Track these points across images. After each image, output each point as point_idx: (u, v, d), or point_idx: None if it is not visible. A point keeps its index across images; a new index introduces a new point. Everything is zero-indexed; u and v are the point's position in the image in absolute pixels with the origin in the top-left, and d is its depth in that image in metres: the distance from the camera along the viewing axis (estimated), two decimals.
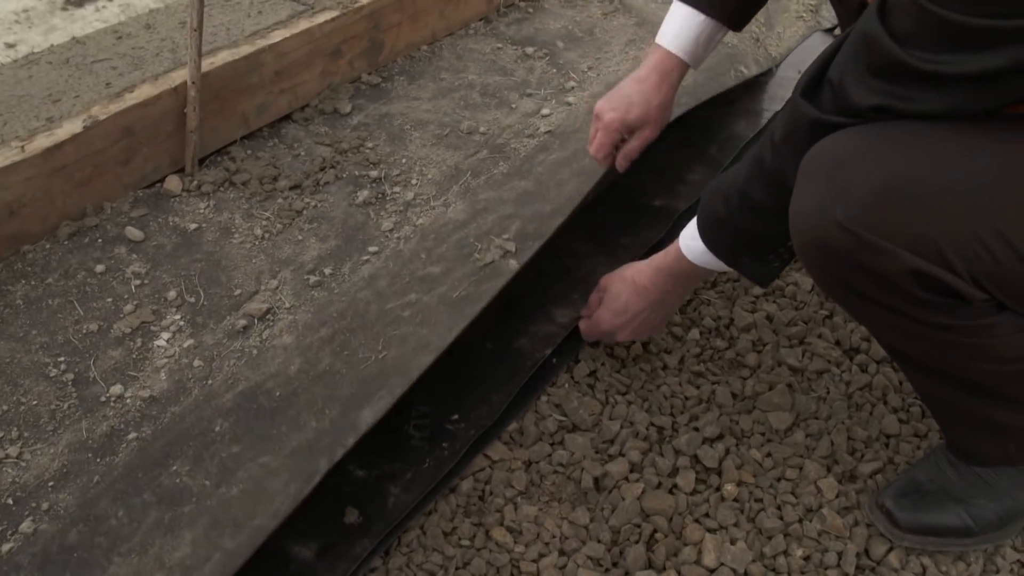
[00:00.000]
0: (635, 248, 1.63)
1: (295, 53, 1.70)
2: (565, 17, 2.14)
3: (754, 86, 2.03)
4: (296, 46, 1.70)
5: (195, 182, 1.56)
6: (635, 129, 1.42)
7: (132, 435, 1.16)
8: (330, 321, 1.32)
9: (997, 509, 1.20)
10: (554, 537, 1.22)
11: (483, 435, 1.32)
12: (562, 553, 1.20)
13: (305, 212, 1.52)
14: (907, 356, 1.13)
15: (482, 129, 1.74)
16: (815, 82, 1.02)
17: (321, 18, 1.75)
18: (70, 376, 1.23)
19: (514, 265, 1.36)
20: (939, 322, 0.98)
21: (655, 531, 1.23)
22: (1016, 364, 1.04)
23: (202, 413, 1.19)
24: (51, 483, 1.10)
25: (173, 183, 1.55)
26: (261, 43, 1.66)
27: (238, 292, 1.37)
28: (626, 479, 1.28)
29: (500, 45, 2.01)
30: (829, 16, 2.42)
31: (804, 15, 2.36)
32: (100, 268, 1.38)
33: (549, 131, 1.71)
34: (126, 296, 1.34)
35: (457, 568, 1.18)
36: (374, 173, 1.60)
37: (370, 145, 1.66)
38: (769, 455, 1.33)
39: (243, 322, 1.32)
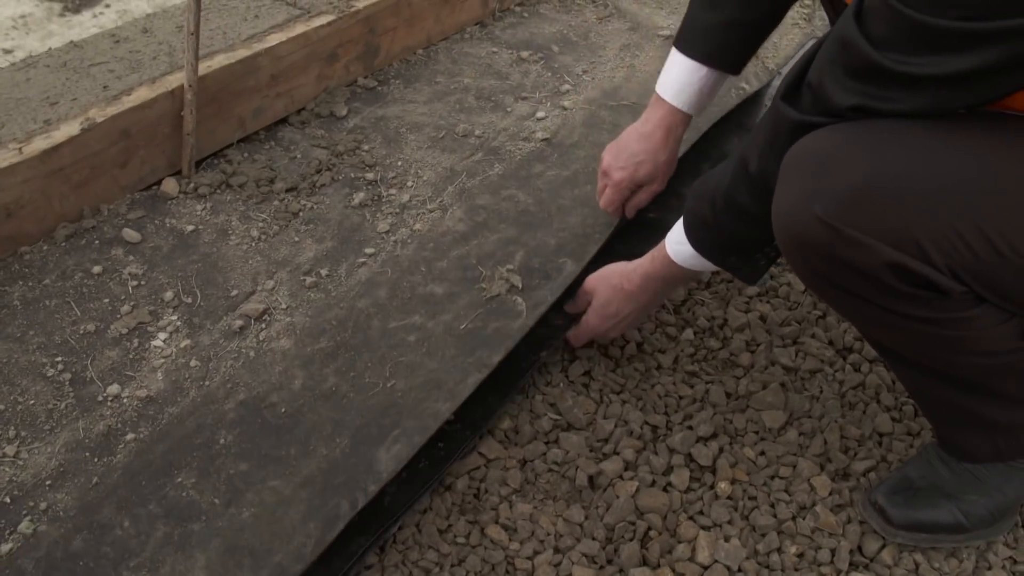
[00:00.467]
0: (627, 259, 1.63)
1: (291, 57, 1.71)
2: (560, 22, 2.16)
3: (748, 100, 2.04)
4: (292, 50, 1.71)
5: (192, 184, 1.56)
6: (643, 185, 1.45)
7: (130, 436, 1.17)
8: (330, 330, 1.32)
9: (989, 505, 1.21)
10: (549, 535, 1.22)
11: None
12: (557, 551, 1.21)
13: (301, 214, 1.53)
14: (894, 352, 1.14)
15: (477, 132, 1.75)
16: (795, 86, 1.03)
17: (317, 22, 1.76)
18: (67, 376, 1.23)
19: (521, 305, 1.37)
20: (919, 315, 0.99)
21: (649, 529, 1.24)
22: (998, 357, 1.05)
23: (203, 420, 1.19)
24: (48, 482, 1.11)
25: (170, 185, 1.56)
26: (257, 47, 1.67)
27: (234, 293, 1.38)
28: (620, 477, 1.29)
29: (495, 49, 2.02)
30: (824, 24, 2.44)
31: (800, 22, 2.37)
32: (97, 269, 1.39)
33: (546, 139, 1.72)
34: (123, 297, 1.35)
35: (452, 565, 1.18)
36: (370, 175, 1.61)
37: (366, 148, 1.67)
38: (763, 453, 1.34)
39: (240, 322, 1.33)
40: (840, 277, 1.00)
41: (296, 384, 1.24)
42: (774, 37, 2.27)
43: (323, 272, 1.42)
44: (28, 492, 1.09)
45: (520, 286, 1.39)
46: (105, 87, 1.58)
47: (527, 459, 1.31)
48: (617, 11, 2.22)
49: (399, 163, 1.65)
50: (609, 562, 1.20)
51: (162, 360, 1.27)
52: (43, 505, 1.08)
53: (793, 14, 2.44)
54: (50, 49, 1.69)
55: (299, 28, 1.74)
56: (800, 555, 1.22)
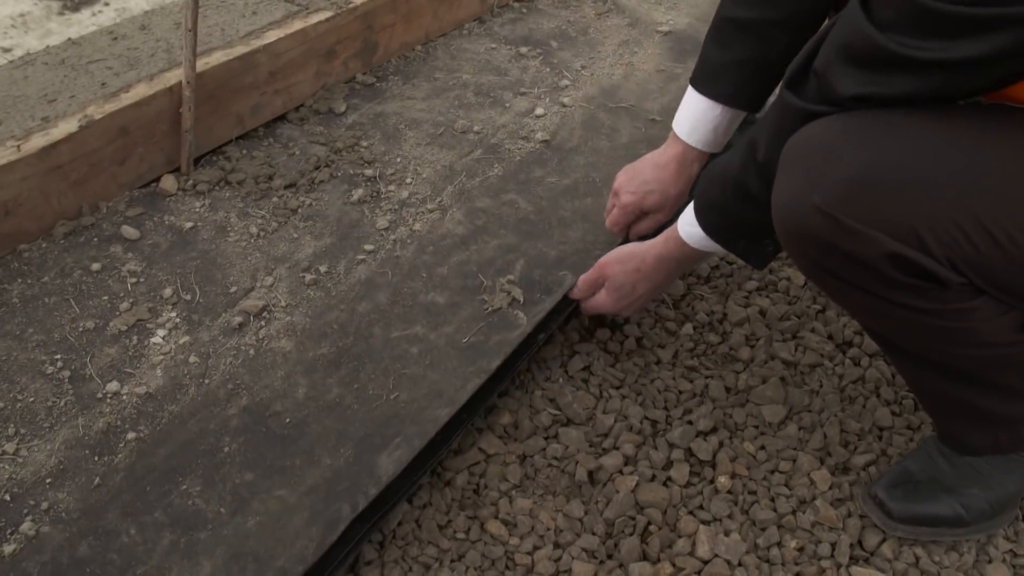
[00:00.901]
0: None
1: (289, 53, 1.71)
2: (559, 17, 2.15)
3: None
4: (290, 46, 1.71)
5: (190, 181, 1.56)
6: (650, 213, 1.44)
7: (131, 434, 1.16)
8: (332, 335, 1.32)
9: (989, 498, 1.21)
10: (548, 530, 1.22)
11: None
12: (557, 546, 1.21)
13: (300, 210, 1.53)
14: (893, 344, 1.14)
15: (476, 128, 1.75)
16: (801, 73, 1.03)
17: (315, 19, 1.76)
18: (66, 373, 1.23)
19: (523, 320, 1.37)
20: (918, 306, 0.99)
21: (649, 523, 1.24)
22: (997, 349, 1.05)
23: (205, 424, 1.19)
24: (48, 480, 1.11)
25: (169, 182, 1.56)
26: (255, 43, 1.67)
27: (233, 289, 1.37)
28: (620, 472, 1.29)
29: (494, 45, 2.02)
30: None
31: None
32: (96, 266, 1.39)
33: (545, 140, 1.72)
34: (122, 294, 1.35)
35: (452, 561, 1.18)
36: (369, 172, 1.61)
37: (365, 144, 1.67)
38: (763, 448, 1.34)
39: (239, 319, 1.33)
40: (839, 267, 1.00)
41: (300, 393, 1.24)
42: None
43: (322, 269, 1.42)
44: (28, 490, 1.09)
45: (522, 300, 1.40)
46: (103, 84, 1.58)
47: (527, 454, 1.31)
48: (616, 7, 2.22)
49: (398, 159, 1.65)
50: (609, 557, 1.20)
51: (161, 357, 1.27)
52: (44, 504, 1.08)
53: None
54: (48, 47, 1.69)
55: (297, 25, 1.74)
56: (800, 549, 1.22)
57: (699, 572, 1.19)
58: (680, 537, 1.22)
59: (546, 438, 1.33)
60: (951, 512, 1.22)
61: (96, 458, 1.13)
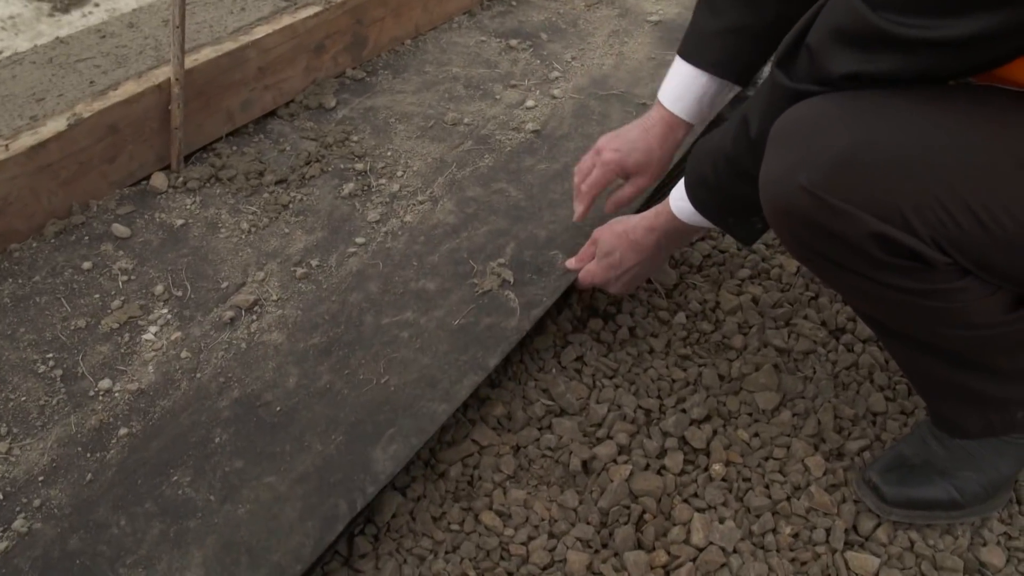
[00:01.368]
0: None
1: (278, 49, 1.71)
2: (548, 9, 2.15)
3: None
4: (279, 42, 1.71)
5: (181, 179, 1.56)
6: (631, 175, 1.42)
7: (123, 430, 1.16)
8: (323, 325, 1.32)
9: (983, 481, 1.21)
10: (543, 520, 1.22)
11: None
12: (551, 536, 1.21)
13: (291, 205, 1.52)
14: (884, 326, 1.14)
15: (466, 120, 1.74)
16: (791, 51, 1.03)
17: (304, 13, 1.76)
18: (59, 372, 1.23)
19: (513, 301, 1.37)
20: (905, 286, 0.99)
21: (644, 512, 1.24)
22: (985, 330, 1.05)
23: (196, 417, 1.19)
24: (41, 478, 1.10)
25: (159, 180, 1.55)
26: (244, 39, 1.67)
27: (225, 285, 1.37)
28: (614, 461, 1.29)
29: (484, 38, 2.01)
30: None
31: None
32: (87, 265, 1.39)
33: (536, 130, 1.72)
34: (113, 292, 1.35)
35: (447, 552, 1.18)
36: (359, 166, 1.60)
37: (355, 139, 1.67)
38: (756, 435, 1.34)
39: (230, 313, 1.32)
40: (825, 247, 1.00)
41: (290, 382, 1.24)
42: None
43: (313, 263, 1.42)
44: (21, 488, 1.09)
45: (512, 280, 1.39)
46: (92, 83, 1.58)
47: (520, 445, 1.31)
48: None
49: (388, 153, 1.65)
50: (604, 546, 1.20)
51: (153, 353, 1.27)
52: (36, 502, 1.08)
53: None
54: (36, 46, 1.69)
55: (286, 20, 1.73)
56: (795, 535, 1.22)
57: (694, 560, 1.19)
58: (675, 525, 1.22)
59: (540, 429, 1.33)
60: (945, 495, 1.22)
61: (88, 455, 1.13)
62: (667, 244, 1.32)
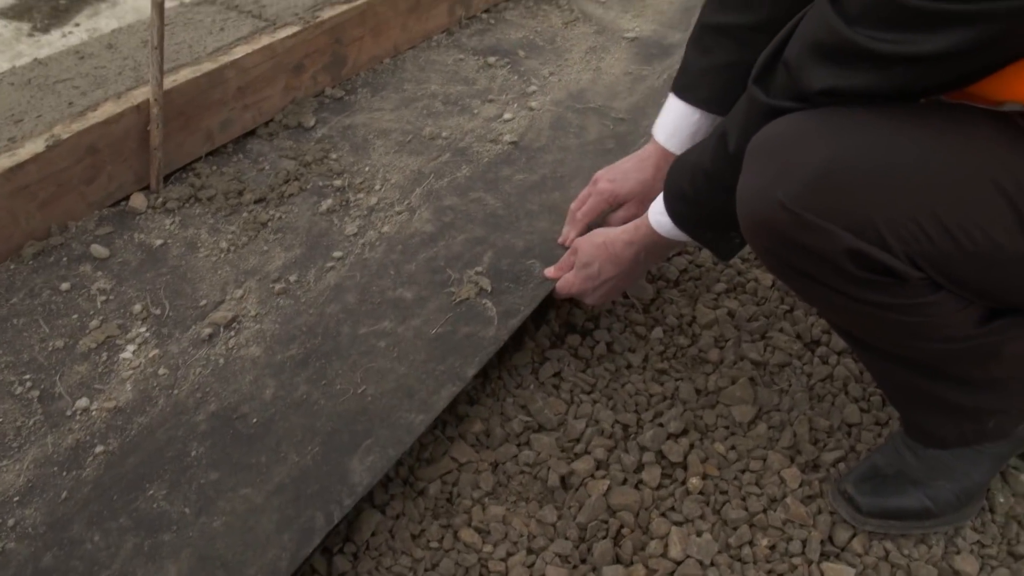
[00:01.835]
0: None
1: (257, 69, 1.72)
2: (526, 27, 2.17)
3: None
4: (258, 62, 1.72)
5: (160, 199, 1.57)
6: (625, 203, 1.45)
7: (99, 448, 1.16)
8: (300, 337, 1.33)
9: (955, 490, 1.23)
10: (522, 536, 1.23)
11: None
12: (530, 551, 1.21)
13: (270, 224, 1.53)
14: (858, 339, 1.16)
15: (444, 134, 1.76)
16: (768, 67, 1.04)
17: (283, 33, 1.77)
18: (35, 393, 1.23)
19: (491, 310, 1.38)
20: (878, 300, 1.01)
21: (622, 526, 1.25)
22: (958, 343, 1.06)
23: (173, 431, 1.19)
24: (16, 499, 1.10)
25: (138, 200, 1.56)
26: (223, 59, 1.68)
27: (203, 302, 1.38)
28: (592, 476, 1.29)
29: (462, 56, 2.03)
30: None
31: None
32: (65, 286, 1.39)
33: (513, 142, 1.74)
34: (92, 312, 1.35)
35: (426, 570, 1.18)
36: (338, 182, 1.61)
37: (334, 156, 1.68)
38: (733, 448, 1.35)
39: (208, 330, 1.33)
40: (801, 262, 1.01)
41: (267, 393, 1.25)
42: None
43: (292, 278, 1.43)
44: None
45: (489, 289, 1.40)
46: (70, 103, 1.58)
47: (499, 462, 1.31)
48: (583, 15, 2.24)
49: (367, 168, 1.66)
50: (583, 561, 1.21)
51: (131, 371, 1.27)
52: (11, 522, 1.08)
53: None
54: (14, 67, 1.70)
55: (264, 40, 1.74)
56: (772, 547, 1.23)
57: (672, 573, 1.19)
58: (652, 539, 1.23)
59: (518, 445, 1.34)
60: (919, 505, 1.23)
61: (64, 473, 1.13)
62: (646, 258, 1.34)
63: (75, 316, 1.35)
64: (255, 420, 1.21)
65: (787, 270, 1.05)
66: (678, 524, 1.25)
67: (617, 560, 1.21)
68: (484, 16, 2.19)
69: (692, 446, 1.35)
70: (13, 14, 2.18)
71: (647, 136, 1.45)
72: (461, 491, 1.28)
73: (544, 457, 1.32)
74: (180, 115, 1.60)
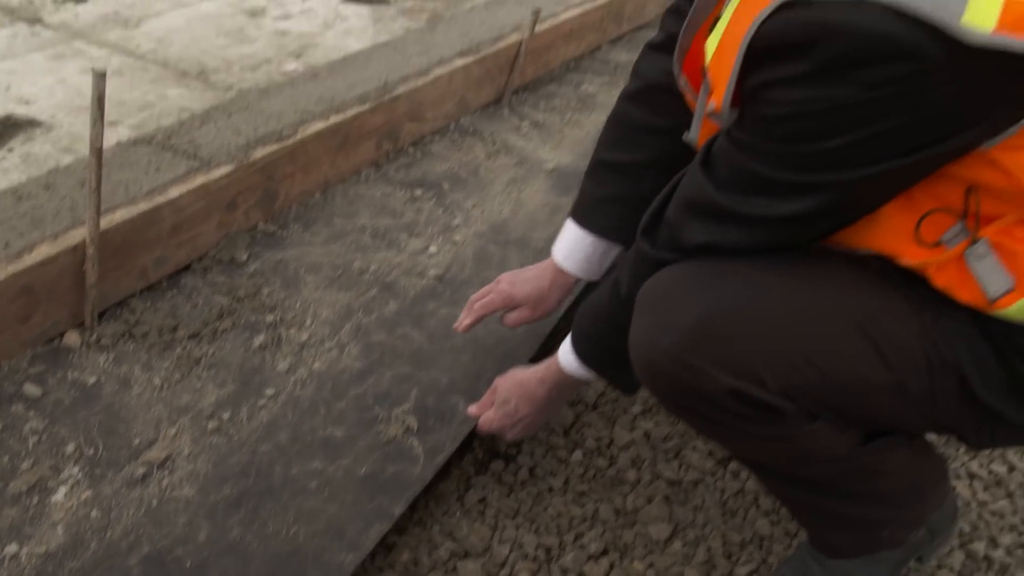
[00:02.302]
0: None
1: (192, 207, 1.79)
2: (451, 159, 2.30)
3: None
4: (193, 200, 1.79)
5: (94, 336, 1.61)
6: (519, 306, 1.55)
7: None
8: (233, 477, 1.37)
9: None
10: None
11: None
12: None
13: (203, 360, 1.58)
14: (753, 462, 1.25)
15: (373, 268, 1.85)
16: (653, 222, 1.17)
17: (217, 173, 1.85)
18: None
19: (417, 448, 1.45)
20: (763, 432, 1.11)
21: None
22: (842, 463, 1.17)
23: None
24: None
25: (72, 338, 1.60)
26: (159, 199, 1.75)
27: (137, 441, 1.41)
28: None
29: (390, 189, 2.14)
30: None
31: None
32: None
33: (438, 276, 1.84)
34: (23, 454, 1.37)
35: None
36: (270, 318, 1.68)
37: (266, 291, 1.75)
38: (651, 566, 1.42)
39: (142, 470, 1.36)
40: (690, 403, 1.11)
41: (201, 536, 1.28)
42: None
43: (225, 416, 1.47)
44: None
45: (416, 427, 1.47)
46: (7, 245, 1.63)
47: None
48: (505, 147, 2.38)
49: (298, 304, 1.73)
50: None
51: (62, 514, 1.29)
52: None
53: None
54: None
55: (199, 180, 1.82)
56: None
57: None
58: None
59: (445, 572, 1.38)
60: None
61: None
62: (558, 394, 1.43)
63: (6, 458, 1.37)
64: (189, 564, 1.24)
65: (679, 410, 1.15)
66: None
67: None
68: (411, 150, 2.31)
69: (612, 566, 1.41)
70: None
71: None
72: None
73: None
74: (116, 254, 1.66)
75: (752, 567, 1.43)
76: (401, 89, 2.24)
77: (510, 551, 1.41)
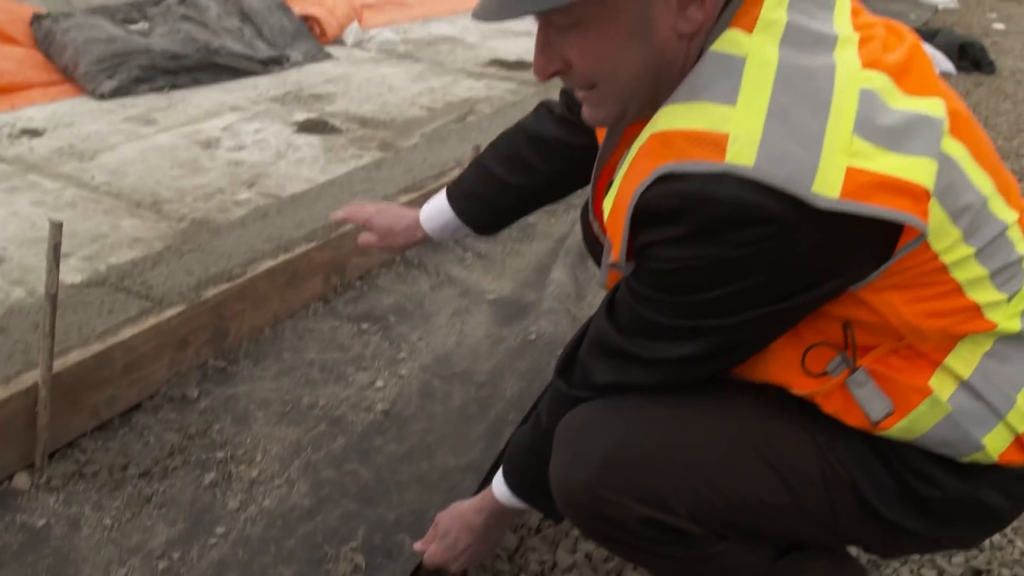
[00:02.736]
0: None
1: (144, 347, 1.85)
2: (397, 292, 2.40)
3: None
4: (144, 340, 1.86)
5: (44, 477, 1.64)
6: (373, 230, 1.70)
7: None
8: None
9: None
10: None
11: None
12: None
13: (154, 498, 1.62)
14: None
15: (321, 403, 1.91)
16: (568, 362, 1.27)
17: (168, 313, 1.93)
18: None
19: None
20: (680, 555, 1.19)
21: None
22: None
23: None
24: None
25: (21, 480, 1.62)
26: (111, 340, 1.81)
27: None
28: None
29: (338, 323, 2.23)
30: None
31: None
32: None
33: (385, 410, 1.91)
34: None
35: None
36: (220, 454, 1.73)
37: (216, 427, 1.80)
38: None
39: None
40: (608, 531, 1.19)
41: None
42: (588, 296, 2.59)
43: (175, 555, 1.50)
44: None
45: (363, 565, 1.52)
46: None
47: None
48: (448, 279, 2.50)
49: (248, 440, 1.78)
50: None
51: None
52: None
53: None
54: None
55: (151, 320, 1.89)
56: None
57: None
58: None
59: None
60: None
61: None
62: (495, 524, 1.49)
63: None
64: None
65: (599, 538, 1.23)
66: None
67: None
68: (358, 283, 2.41)
69: None
70: None
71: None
72: None
73: None
74: (68, 394, 1.70)
75: None
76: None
77: None
